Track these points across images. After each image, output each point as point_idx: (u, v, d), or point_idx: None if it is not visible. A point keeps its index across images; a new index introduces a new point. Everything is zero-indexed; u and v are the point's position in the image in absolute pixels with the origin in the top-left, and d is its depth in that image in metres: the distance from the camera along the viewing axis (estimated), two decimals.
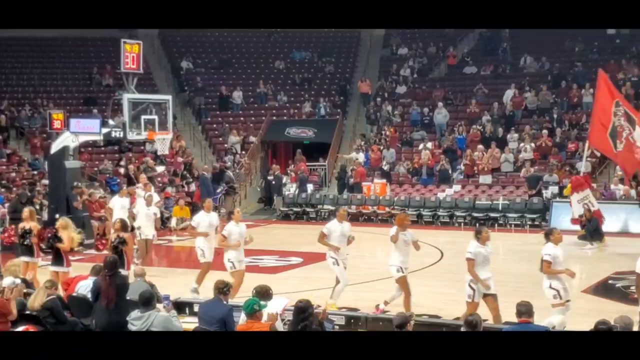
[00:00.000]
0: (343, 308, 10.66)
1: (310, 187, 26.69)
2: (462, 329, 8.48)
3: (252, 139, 30.74)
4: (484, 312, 9.27)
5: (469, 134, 27.83)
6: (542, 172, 24.48)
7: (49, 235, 12.19)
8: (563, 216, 21.45)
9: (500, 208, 23.22)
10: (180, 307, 10.66)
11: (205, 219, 13.73)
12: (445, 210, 23.99)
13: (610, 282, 12.91)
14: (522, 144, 26.47)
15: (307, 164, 28.23)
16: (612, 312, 9.66)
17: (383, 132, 29.95)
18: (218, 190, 25.73)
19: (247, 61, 36.04)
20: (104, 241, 14.50)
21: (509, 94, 29.69)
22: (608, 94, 19.19)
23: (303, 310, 7.94)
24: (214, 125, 32.23)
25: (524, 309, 8.15)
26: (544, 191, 23.52)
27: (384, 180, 25.55)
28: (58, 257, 12.20)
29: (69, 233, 12.13)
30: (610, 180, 23.72)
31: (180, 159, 28.05)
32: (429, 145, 27.92)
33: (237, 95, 32.75)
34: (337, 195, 25.52)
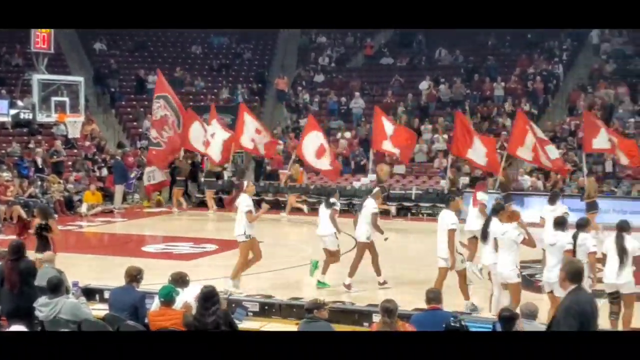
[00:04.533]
0: (258, 295, 10.66)
1: (226, 174, 26.49)
2: (376, 315, 8.61)
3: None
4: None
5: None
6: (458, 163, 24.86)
7: None
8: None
9: (413, 197, 23.58)
10: (90, 293, 10.46)
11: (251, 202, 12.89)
12: (360, 199, 24.18)
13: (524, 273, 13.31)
14: (435, 135, 26.95)
15: None
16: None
17: (300, 121, 29.99)
18: (132, 175, 25.27)
19: (163, 45, 35.46)
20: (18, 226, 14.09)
21: (423, 85, 30.19)
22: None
23: (210, 295, 7.92)
24: (128, 109, 31.62)
25: (433, 295, 8.33)
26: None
27: (301, 169, 25.58)
28: None
29: None
30: (518, 172, 24.38)
31: (88, 143, 27.39)
32: (346, 134, 28.13)
33: (153, 80, 32.19)
34: (254, 183, 25.39)
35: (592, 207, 18.22)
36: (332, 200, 13.71)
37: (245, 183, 13.64)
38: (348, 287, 12.70)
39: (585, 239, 10.04)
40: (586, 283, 9.90)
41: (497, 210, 11.20)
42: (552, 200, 15.00)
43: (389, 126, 22.51)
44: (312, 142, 22.79)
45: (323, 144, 22.88)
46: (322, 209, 13.62)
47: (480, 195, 14.79)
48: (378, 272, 12.99)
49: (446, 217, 11.23)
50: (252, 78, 34.02)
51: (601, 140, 20.11)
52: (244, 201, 12.74)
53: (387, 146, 22.55)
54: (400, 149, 22.54)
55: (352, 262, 12.96)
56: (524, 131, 20.70)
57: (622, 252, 9.84)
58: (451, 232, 11.01)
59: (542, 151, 20.81)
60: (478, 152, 21.47)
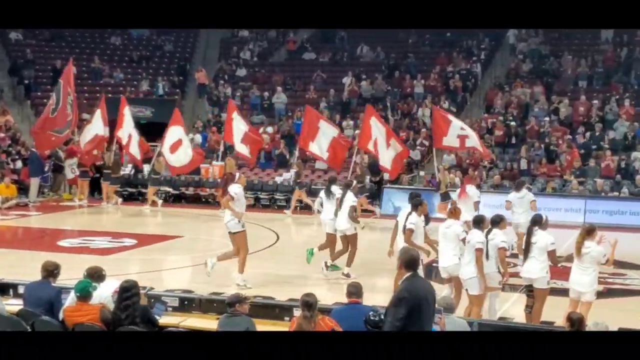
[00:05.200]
0: (178, 290, 10.55)
1: (146, 168, 26.08)
2: (296, 310, 8.63)
3: (85, 116, 29.59)
4: None
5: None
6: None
7: None
8: (393, 201, 22.35)
9: None
10: (4, 288, 10.15)
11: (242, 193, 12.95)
12: (282, 194, 24.24)
13: (434, 265, 13.57)
14: (357, 131, 27.15)
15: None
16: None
17: (222, 115, 29.79)
18: (46, 169, 24.62)
19: (81, 35, 34.64)
20: None
21: (345, 81, 30.40)
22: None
23: (127, 289, 7.91)
24: (45, 100, 30.74)
25: (354, 290, 8.39)
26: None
27: (222, 163, 25.40)
28: None
29: None
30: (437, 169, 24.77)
31: (2, 135, 26.55)
32: (269, 129, 28.09)
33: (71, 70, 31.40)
34: (175, 177, 25.08)
35: (445, 197, 19.35)
36: (332, 188, 14.31)
37: (237, 175, 13.74)
38: (347, 275, 13.14)
39: (495, 235, 10.26)
40: (495, 279, 10.21)
41: (416, 205, 11.42)
42: (518, 188, 15.78)
43: (328, 131, 21.95)
44: (238, 128, 22.69)
45: (247, 132, 22.86)
46: (324, 197, 14.34)
47: (470, 189, 15.67)
48: (349, 264, 13.54)
49: (410, 219, 11.31)
50: (173, 71, 33.58)
51: (451, 138, 20.68)
52: (236, 191, 12.86)
53: (314, 149, 22.22)
54: (331, 158, 22.15)
55: (348, 254, 13.51)
56: (446, 121, 20.86)
57: (529, 246, 10.14)
58: (409, 232, 11.15)
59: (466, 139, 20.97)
60: (321, 144, 21.78)
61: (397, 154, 21.30)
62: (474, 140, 20.33)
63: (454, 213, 11.12)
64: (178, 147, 22.44)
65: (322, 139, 21.71)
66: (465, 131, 20.38)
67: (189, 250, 16.39)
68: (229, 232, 12.78)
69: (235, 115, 22.91)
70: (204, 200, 24.52)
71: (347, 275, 13.19)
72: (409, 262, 6.48)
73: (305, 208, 22.21)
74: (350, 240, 13.59)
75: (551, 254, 10.02)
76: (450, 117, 21.01)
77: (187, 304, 9.63)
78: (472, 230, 10.47)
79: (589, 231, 9.92)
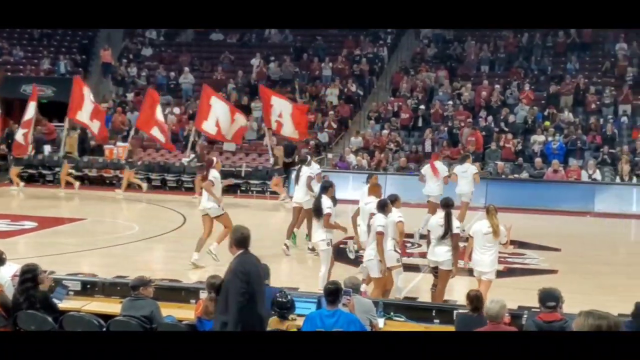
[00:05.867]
0: (81, 274, 10.31)
1: (47, 149, 25.34)
2: (202, 292, 8.58)
3: None
4: None
5: None
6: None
7: None
8: None
9: (243, 175, 23.64)
10: None
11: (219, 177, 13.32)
12: (190, 175, 23.96)
13: (341, 246, 13.72)
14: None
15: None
16: (342, 274, 10.30)
17: (127, 95, 29.20)
18: None
19: None
20: None
21: (254, 63, 30.23)
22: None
23: (26, 273, 7.77)
24: None
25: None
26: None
27: (127, 144, 24.91)
28: None
29: None
30: (345, 151, 25.01)
31: None
32: (176, 110, 27.68)
33: None
34: (78, 158, 24.45)
35: (280, 172, 21.49)
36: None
37: (215, 159, 14.01)
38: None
39: (376, 218, 10.41)
40: (392, 257, 10.37)
41: (326, 188, 11.48)
42: (461, 161, 16.83)
43: (220, 107, 22.01)
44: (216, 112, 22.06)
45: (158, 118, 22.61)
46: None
47: (439, 165, 16.30)
48: (289, 236, 14.21)
49: (324, 202, 11.29)
50: (76, 49, 32.62)
51: (210, 124, 21.46)
52: (308, 172, 14.11)
53: (208, 127, 22.11)
54: (229, 131, 22.13)
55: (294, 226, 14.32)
56: (208, 106, 21.52)
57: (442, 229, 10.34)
58: (327, 216, 11.13)
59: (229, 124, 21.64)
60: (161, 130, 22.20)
61: (240, 127, 22.23)
62: (289, 129, 21.87)
63: (374, 191, 11.31)
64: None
65: (216, 117, 21.62)
66: (283, 118, 21.73)
67: (92, 233, 16.04)
68: (206, 216, 12.96)
69: (215, 100, 22.27)
70: (107, 182, 23.99)
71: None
72: (239, 240, 6.68)
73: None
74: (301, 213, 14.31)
75: (454, 237, 10.27)
76: (274, 100, 21.99)
77: (90, 287, 9.44)
78: (376, 214, 10.58)
79: (488, 211, 10.24)
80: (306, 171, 14.57)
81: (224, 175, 22.81)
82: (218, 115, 21.54)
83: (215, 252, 12.77)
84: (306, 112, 23.69)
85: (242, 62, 30.90)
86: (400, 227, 10.43)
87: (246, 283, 6.43)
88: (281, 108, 22.00)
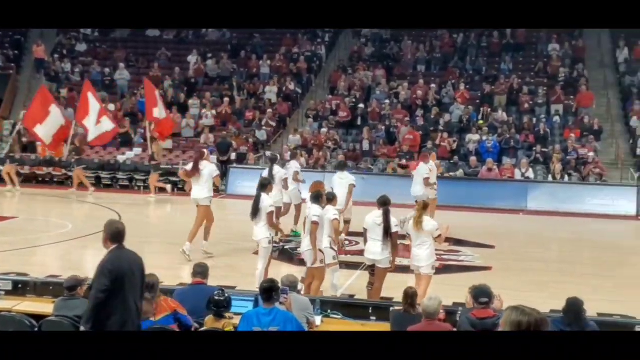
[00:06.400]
0: (12, 273, 10.05)
1: None
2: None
3: None
4: None
5: None
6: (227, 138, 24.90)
7: None
8: (240, 181, 22.39)
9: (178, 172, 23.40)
10: None
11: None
12: (125, 173, 23.65)
13: (281, 244, 13.73)
14: (203, 111, 26.91)
15: None
16: (281, 272, 10.30)
17: (61, 91, 28.59)
18: None
19: None
20: None
21: (191, 60, 29.97)
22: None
23: None
24: None
25: (199, 270, 8.38)
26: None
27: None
28: None
29: None
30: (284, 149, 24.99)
31: None
32: (111, 107, 27.22)
33: None
34: (10, 155, 23.84)
35: (156, 168, 21.60)
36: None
37: (206, 152, 14.45)
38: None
39: (328, 210, 10.53)
40: (329, 254, 10.42)
41: (265, 186, 11.43)
42: (341, 168, 16.16)
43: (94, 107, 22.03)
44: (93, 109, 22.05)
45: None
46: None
47: (421, 166, 16.34)
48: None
49: (265, 200, 11.21)
50: (8, 44, 31.81)
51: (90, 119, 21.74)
52: (210, 167, 13.82)
53: (158, 113, 22.29)
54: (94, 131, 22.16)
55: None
56: (88, 102, 21.70)
57: (384, 227, 10.39)
58: (270, 214, 11.13)
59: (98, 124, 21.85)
60: (49, 129, 21.78)
61: (106, 131, 22.25)
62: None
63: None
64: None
65: (50, 124, 21.64)
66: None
67: (18, 231, 15.66)
68: (199, 206, 13.48)
69: (91, 96, 22.07)
70: (40, 179, 23.49)
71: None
72: (114, 234, 6.60)
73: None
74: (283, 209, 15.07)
75: (394, 235, 10.34)
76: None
77: (22, 287, 9.22)
78: (310, 206, 10.65)
79: (424, 206, 10.37)
80: (279, 170, 14.98)
81: (161, 173, 22.78)
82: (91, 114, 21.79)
83: (188, 252, 12.93)
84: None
85: (179, 59, 30.61)
86: (335, 225, 10.48)
87: (110, 280, 6.27)
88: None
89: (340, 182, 14.89)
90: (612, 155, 24.58)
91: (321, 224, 10.32)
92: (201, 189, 13.48)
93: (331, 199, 10.83)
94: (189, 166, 14.15)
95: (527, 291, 11.46)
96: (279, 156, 16.06)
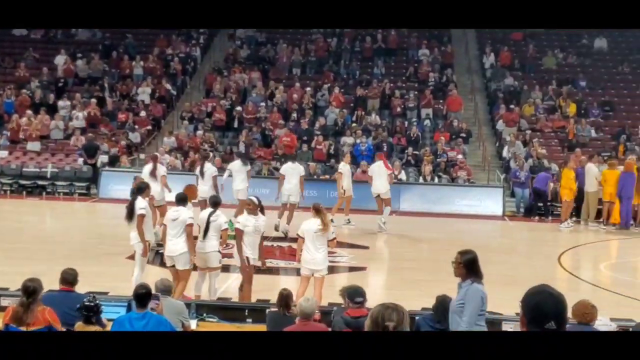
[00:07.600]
0: None
1: None
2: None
3: None
4: None
5: (17, 98, 26.53)
6: (96, 141, 24.22)
7: None
8: (112, 185, 21.84)
9: (49, 176, 22.63)
10: None
11: None
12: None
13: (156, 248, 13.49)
14: (73, 112, 26.07)
15: None
16: (156, 276, 10.12)
17: None
18: None
19: None
20: None
21: (59, 60, 28.97)
22: None
23: None
24: None
25: (67, 276, 8.11)
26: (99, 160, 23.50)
27: None
28: None
29: None
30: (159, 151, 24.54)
31: None
32: None
33: None
34: None
35: None
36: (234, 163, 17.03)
37: (212, 155, 15.80)
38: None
39: (218, 216, 10.64)
40: (216, 258, 10.39)
41: (142, 189, 11.21)
42: (292, 159, 18.32)
43: None
44: None
45: None
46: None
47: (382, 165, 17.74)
48: None
49: (138, 203, 10.91)
50: None
51: None
52: (212, 169, 15.76)
53: None
54: None
55: None
56: None
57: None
58: (140, 217, 10.78)
59: None
60: None
61: None
62: None
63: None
64: None
65: None
66: None
67: None
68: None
69: None
70: None
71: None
72: None
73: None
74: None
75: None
76: None
77: None
78: (177, 208, 10.65)
79: (317, 210, 10.46)
80: (210, 168, 16.04)
81: (29, 176, 21.93)
82: None
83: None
84: None
85: (48, 59, 29.53)
86: (188, 230, 10.47)
87: None
88: None
89: (292, 172, 16.85)
90: (480, 158, 25.59)
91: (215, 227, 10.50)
92: (162, 189, 14.94)
93: (219, 202, 11.00)
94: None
95: (401, 289, 11.75)
96: (210, 154, 16.93)
